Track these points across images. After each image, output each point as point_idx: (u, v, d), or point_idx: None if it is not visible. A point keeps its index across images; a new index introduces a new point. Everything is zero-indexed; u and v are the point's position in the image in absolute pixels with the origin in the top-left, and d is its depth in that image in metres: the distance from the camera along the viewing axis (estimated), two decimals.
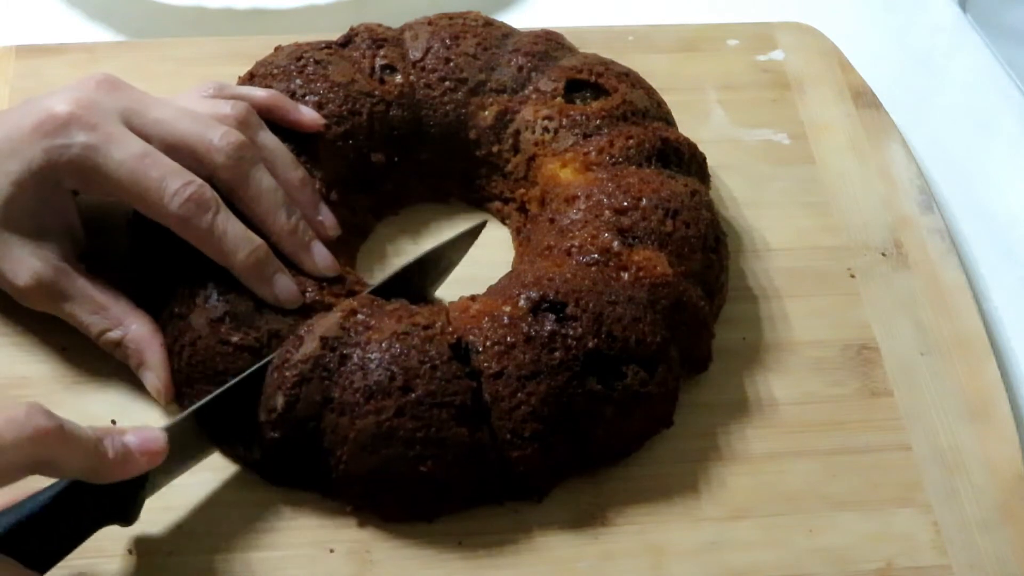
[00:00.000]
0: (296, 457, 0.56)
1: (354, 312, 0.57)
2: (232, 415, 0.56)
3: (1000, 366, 0.65)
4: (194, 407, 0.55)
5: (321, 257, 0.61)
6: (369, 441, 0.54)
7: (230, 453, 0.58)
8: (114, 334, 0.59)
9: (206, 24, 0.83)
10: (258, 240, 0.59)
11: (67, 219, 0.60)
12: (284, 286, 0.59)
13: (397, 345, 0.55)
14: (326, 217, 0.63)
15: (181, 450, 0.55)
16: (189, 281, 0.59)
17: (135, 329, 0.59)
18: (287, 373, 0.56)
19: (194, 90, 0.63)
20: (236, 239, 0.58)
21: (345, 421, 0.55)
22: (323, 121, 0.65)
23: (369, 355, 0.55)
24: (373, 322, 0.57)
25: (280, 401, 0.55)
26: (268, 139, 0.62)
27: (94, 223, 0.65)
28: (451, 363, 0.55)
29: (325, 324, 0.57)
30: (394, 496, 0.56)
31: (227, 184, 0.59)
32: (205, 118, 0.59)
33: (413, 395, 0.54)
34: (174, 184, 0.57)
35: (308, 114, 0.64)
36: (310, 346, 0.56)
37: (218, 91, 0.63)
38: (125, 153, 0.57)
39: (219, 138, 0.58)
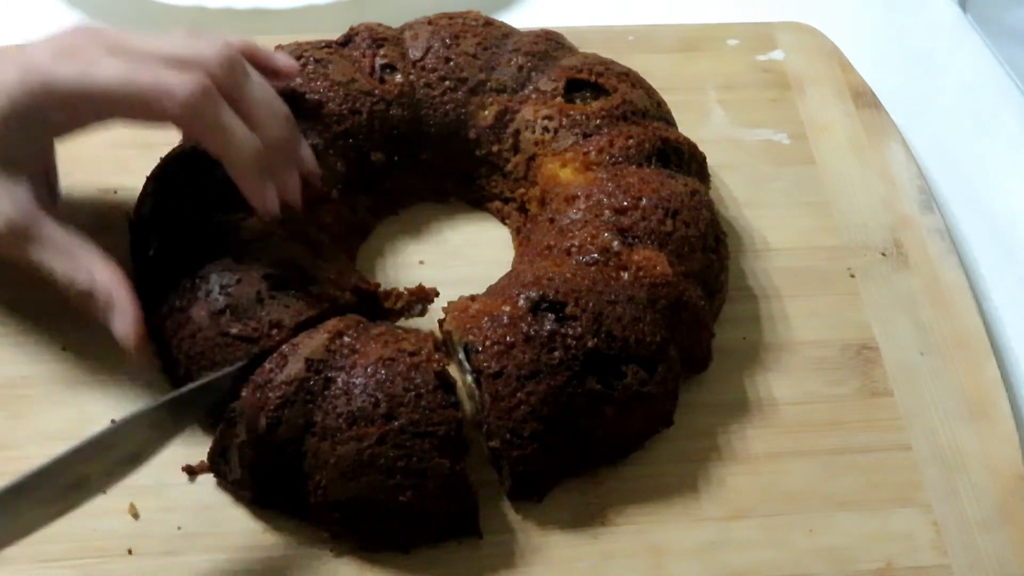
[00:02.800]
0: (274, 479, 0.56)
1: (340, 334, 0.57)
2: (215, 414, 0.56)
3: (1000, 366, 0.65)
4: (167, 397, 0.54)
5: (295, 184, 0.60)
6: (349, 468, 0.54)
7: (212, 469, 0.58)
8: (83, 283, 0.56)
9: (206, 24, 0.83)
10: (258, 140, 0.57)
11: (46, 163, 0.59)
12: (272, 196, 0.58)
13: (383, 371, 0.55)
14: (307, 152, 0.62)
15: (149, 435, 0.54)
16: (190, 275, 0.59)
17: (104, 278, 0.57)
18: (270, 394, 0.55)
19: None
20: (243, 132, 0.57)
21: (326, 446, 0.54)
22: (298, 67, 0.64)
23: (354, 380, 0.55)
24: (359, 345, 0.56)
25: (262, 422, 0.55)
26: (253, 72, 0.60)
27: (94, 223, 0.65)
28: (436, 392, 0.55)
29: (311, 345, 0.56)
30: (371, 525, 0.55)
31: (222, 89, 0.57)
32: (190, 39, 0.58)
33: (396, 423, 0.54)
34: (173, 79, 0.55)
35: (283, 61, 0.63)
36: (294, 367, 0.55)
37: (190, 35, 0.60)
38: (113, 68, 0.55)
39: (208, 47, 0.57)
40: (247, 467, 0.55)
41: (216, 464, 0.57)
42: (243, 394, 0.56)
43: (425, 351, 0.56)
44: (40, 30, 0.82)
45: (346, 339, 0.57)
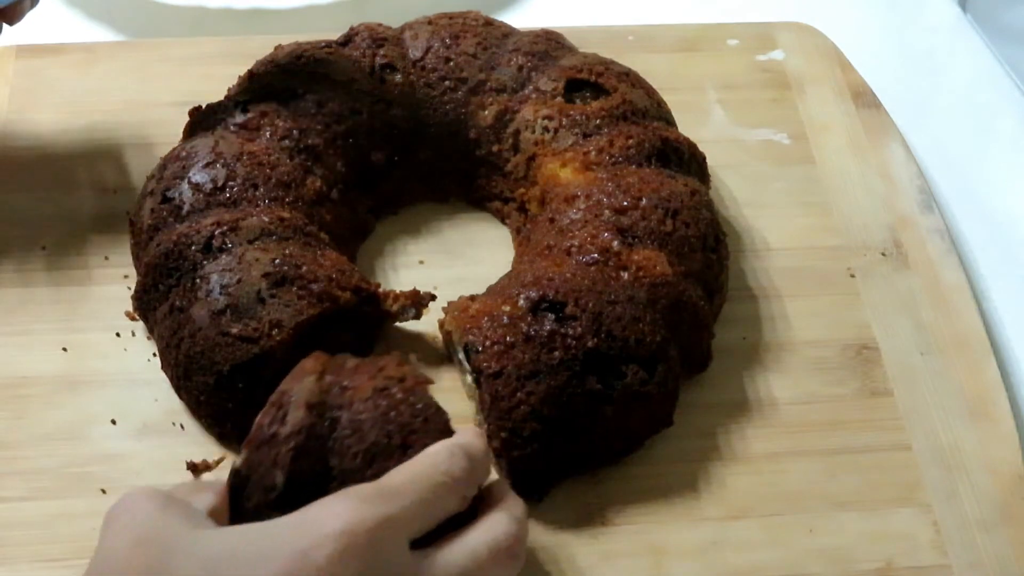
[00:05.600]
0: None
1: (321, 373, 0.53)
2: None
3: (1000, 366, 0.65)
4: None
5: None
6: None
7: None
8: None
9: (206, 24, 0.83)
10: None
11: None
12: None
13: (383, 402, 0.52)
14: None
15: None
16: (189, 273, 0.59)
17: None
18: (282, 448, 0.51)
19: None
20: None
21: None
22: None
23: (358, 416, 0.52)
24: (345, 380, 0.53)
25: (280, 479, 0.51)
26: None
27: (96, 221, 0.65)
28: (440, 412, 0.53)
29: (302, 390, 0.52)
30: None
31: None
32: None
33: (411, 451, 0.51)
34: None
35: None
36: (297, 415, 0.52)
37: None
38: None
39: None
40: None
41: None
42: (244, 455, 0.52)
43: (409, 376, 0.54)
44: (40, 30, 0.82)
45: (328, 377, 0.53)
